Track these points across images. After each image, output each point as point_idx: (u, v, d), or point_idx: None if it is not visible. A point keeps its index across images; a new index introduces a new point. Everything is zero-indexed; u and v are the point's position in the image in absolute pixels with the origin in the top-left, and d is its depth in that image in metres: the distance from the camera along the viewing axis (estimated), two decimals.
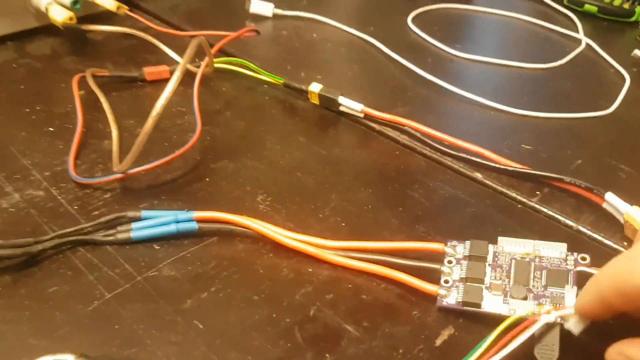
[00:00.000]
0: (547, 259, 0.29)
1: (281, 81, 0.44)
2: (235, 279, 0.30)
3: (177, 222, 0.32)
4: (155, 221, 0.32)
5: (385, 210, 0.35)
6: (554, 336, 0.26)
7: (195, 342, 0.27)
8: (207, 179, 0.36)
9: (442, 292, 0.29)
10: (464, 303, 0.28)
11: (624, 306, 0.23)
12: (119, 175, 0.34)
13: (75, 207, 0.33)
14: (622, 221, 0.34)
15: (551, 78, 0.50)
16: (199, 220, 0.32)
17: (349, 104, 0.42)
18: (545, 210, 0.35)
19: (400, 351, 0.27)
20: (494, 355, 0.25)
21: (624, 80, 0.49)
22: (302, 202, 0.35)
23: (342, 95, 0.42)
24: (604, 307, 0.24)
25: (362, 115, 0.42)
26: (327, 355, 0.27)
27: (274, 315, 0.28)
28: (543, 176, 0.37)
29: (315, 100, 0.43)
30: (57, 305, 0.28)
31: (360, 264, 0.31)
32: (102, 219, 0.32)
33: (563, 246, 0.30)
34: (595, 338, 0.27)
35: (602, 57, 0.53)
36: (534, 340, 0.26)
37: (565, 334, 0.26)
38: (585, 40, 0.55)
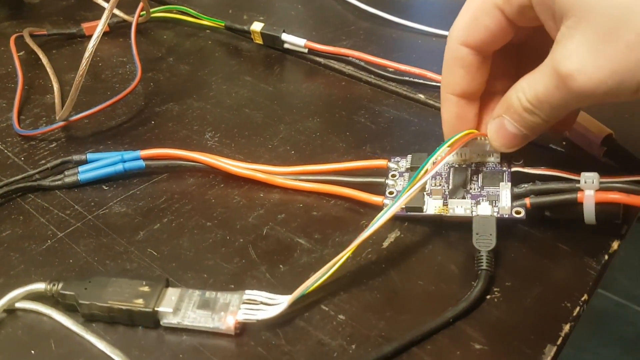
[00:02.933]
0: (484, 165, 0.30)
1: (222, 24, 0.44)
2: (187, 209, 0.31)
3: (124, 161, 0.32)
4: (102, 162, 0.32)
5: (332, 136, 0.36)
6: (491, 226, 0.27)
7: (151, 267, 0.27)
8: (153, 122, 0.37)
9: (387, 202, 0.30)
10: (408, 209, 0.29)
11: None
12: (61, 124, 0.34)
13: (22, 158, 0.33)
14: None
15: None
16: (145, 158, 0.32)
17: (292, 40, 0.42)
18: None
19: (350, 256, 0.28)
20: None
21: None
22: (251, 135, 0.36)
23: (284, 31, 0.43)
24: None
25: (306, 50, 0.42)
26: (281, 266, 0.28)
27: (228, 238, 0.29)
28: None
29: (259, 40, 0.43)
30: (10, 247, 0.28)
31: (309, 185, 0.31)
32: (49, 165, 0.32)
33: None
34: (532, 226, 0.29)
35: None
36: (472, 232, 0.27)
37: (515, 244, 0.27)
38: None
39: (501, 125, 0.27)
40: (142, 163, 0.32)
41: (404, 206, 0.28)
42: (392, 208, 0.26)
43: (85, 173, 0.31)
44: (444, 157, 0.28)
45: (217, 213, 0.30)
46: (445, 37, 0.46)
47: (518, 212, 0.28)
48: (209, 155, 0.32)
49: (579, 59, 0.23)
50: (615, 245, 0.28)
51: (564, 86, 0.23)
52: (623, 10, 0.22)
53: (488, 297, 0.26)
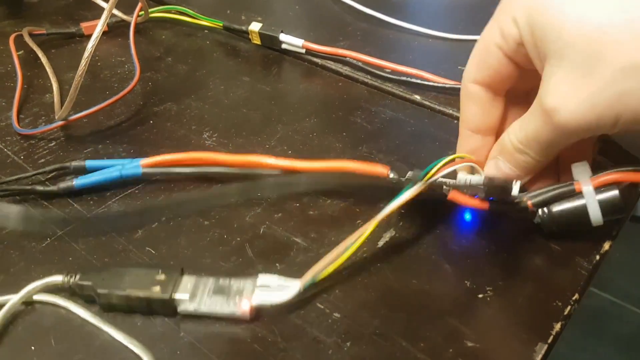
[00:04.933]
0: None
1: (220, 24, 0.44)
2: (185, 208, 0.31)
3: (122, 173, 0.31)
4: (100, 173, 0.31)
5: (329, 136, 0.36)
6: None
7: (149, 265, 0.28)
8: (151, 122, 0.37)
9: (391, 175, 0.29)
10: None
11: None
12: (60, 123, 0.35)
13: (22, 157, 0.34)
14: None
15: (488, 3, 0.50)
16: (145, 167, 0.31)
17: (290, 40, 0.43)
18: None
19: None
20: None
21: None
22: (249, 135, 0.36)
23: (282, 32, 0.43)
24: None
25: (303, 50, 0.43)
26: (278, 264, 0.28)
27: (225, 236, 0.29)
28: None
29: (257, 40, 0.44)
30: (10, 245, 0.29)
31: (308, 164, 0.30)
32: (46, 169, 0.32)
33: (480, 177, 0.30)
34: (525, 227, 0.29)
35: None
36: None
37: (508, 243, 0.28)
38: None
39: (496, 166, 0.28)
40: (139, 170, 0.31)
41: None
42: (415, 188, 0.27)
43: (81, 179, 0.31)
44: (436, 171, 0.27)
45: (215, 212, 0.31)
46: (441, 38, 0.47)
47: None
48: (208, 153, 0.32)
49: (561, 95, 0.24)
50: (606, 245, 0.29)
51: (550, 121, 0.24)
52: (598, 46, 0.23)
53: (480, 295, 0.26)
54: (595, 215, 0.27)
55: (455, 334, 0.25)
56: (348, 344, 0.25)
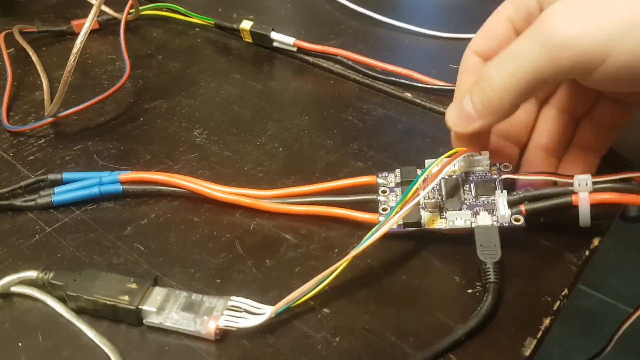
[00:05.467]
0: (473, 173, 0.30)
1: (212, 22, 0.44)
2: (174, 205, 0.31)
3: (101, 184, 0.31)
4: (78, 184, 0.31)
5: (320, 133, 0.36)
6: (495, 237, 0.27)
7: (138, 262, 0.28)
8: (142, 119, 0.37)
9: (381, 219, 0.28)
10: (405, 224, 0.28)
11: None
12: (49, 120, 0.35)
13: (11, 154, 0.34)
14: None
15: (479, 2, 0.51)
16: (124, 182, 0.31)
17: (281, 39, 0.42)
18: None
19: (336, 250, 0.28)
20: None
21: None
22: (239, 132, 0.36)
23: (274, 30, 0.43)
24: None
25: (295, 49, 0.43)
26: (267, 261, 0.28)
27: (215, 233, 0.29)
28: None
29: (249, 38, 0.44)
30: None
31: (299, 208, 0.30)
32: (22, 184, 0.31)
33: (485, 156, 0.30)
34: (536, 235, 0.28)
35: None
36: (475, 246, 0.26)
37: (505, 242, 0.27)
38: None
39: (459, 105, 0.27)
40: (119, 187, 0.31)
41: (400, 222, 0.28)
42: (384, 227, 0.26)
43: (60, 195, 0.31)
44: (433, 178, 0.27)
45: (205, 209, 0.31)
46: (432, 36, 0.47)
47: (517, 220, 0.27)
48: (192, 180, 0.31)
49: (567, 15, 0.23)
50: (595, 241, 0.29)
51: (548, 44, 0.23)
52: None
53: (470, 291, 0.26)
54: (585, 220, 0.27)
55: (443, 328, 0.25)
56: (337, 339, 0.25)
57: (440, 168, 0.28)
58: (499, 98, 0.25)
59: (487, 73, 0.25)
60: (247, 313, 0.25)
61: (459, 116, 0.27)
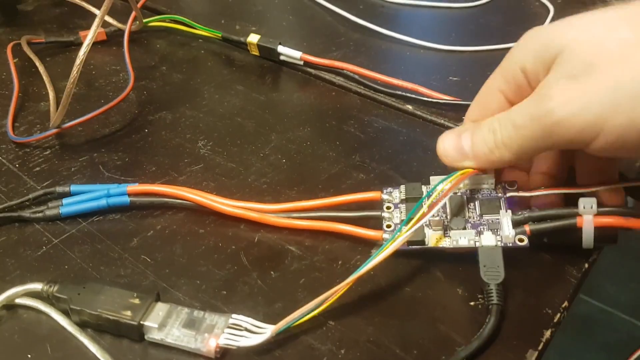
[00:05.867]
0: (478, 191, 0.30)
1: (219, 35, 0.45)
2: (180, 217, 0.31)
3: (109, 196, 0.31)
4: (86, 196, 0.31)
5: (323, 144, 0.37)
6: (498, 258, 0.27)
7: (145, 273, 0.28)
8: (146, 130, 0.37)
9: (386, 236, 0.29)
10: (410, 242, 0.28)
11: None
12: (54, 131, 0.35)
13: (17, 165, 0.34)
14: None
15: (478, 15, 0.52)
16: (132, 194, 0.31)
17: (288, 52, 0.43)
18: None
19: (340, 262, 0.29)
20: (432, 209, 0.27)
21: (548, 11, 0.52)
22: (243, 144, 0.36)
23: (280, 44, 0.43)
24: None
25: (301, 62, 0.43)
26: (272, 272, 0.28)
27: (220, 244, 0.30)
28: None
29: (255, 51, 0.44)
30: (6, 253, 0.29)
31: (304, 223, 0.30)
32: (30, 196, 0.31)
33: (490, 177, 0.30)
34: (532, 254, 0.29)
35: None
36: (478, 265, 0.27)
37: (506, 255, 0.27)
38: None
39: (459, 140, 0.28)
40: (127, 199, 0.31)
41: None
42: (388, 249, 0.26)
43: (67, 207, 0.31)
44: (440, 199, 0.28)
45: (210, 220, 0.31)
46: (432, 49, 0.47)
47: (521, 240, 0.27)
48: (199, 193, 0.31)
49: (560, 96, 0.24)
50: (595, 254, 0.29)
51: (543, 120, 0.25)
52: (597, 58, 0.24)
53: (472, 303, 0.27)
54: (588, 242, 0.27)
55: (447, 341, 0.25)
56: (342, 351, 0.25)
57: (448, 190, 0.28)
58: (500, 153, 0.27)
59: (492, 125, 0.27)
60: (248, 332, 0.25)
61: (454, 148, 0.29)
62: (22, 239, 0.29)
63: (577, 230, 0.27)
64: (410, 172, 0.34)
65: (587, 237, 0.27)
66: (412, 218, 0.27)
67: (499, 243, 0.27)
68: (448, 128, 0.38)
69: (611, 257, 1.13)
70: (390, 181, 0.32)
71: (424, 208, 0.27)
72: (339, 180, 0.34)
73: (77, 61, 0.34)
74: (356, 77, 0.42)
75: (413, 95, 0.40)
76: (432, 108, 0.39)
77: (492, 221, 0.28)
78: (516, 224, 0.28)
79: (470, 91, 0.41)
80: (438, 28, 0.50)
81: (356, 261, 0.29)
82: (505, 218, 0.28)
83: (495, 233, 0.28)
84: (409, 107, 0.40)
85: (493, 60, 0.44)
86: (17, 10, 0.50)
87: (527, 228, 0.27)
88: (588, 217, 0.26)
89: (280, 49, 0.43)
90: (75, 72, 0.34)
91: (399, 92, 0.41)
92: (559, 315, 0.26)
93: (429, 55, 0.46)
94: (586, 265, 0.29)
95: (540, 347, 0.25)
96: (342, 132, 0.38)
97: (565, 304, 0.27)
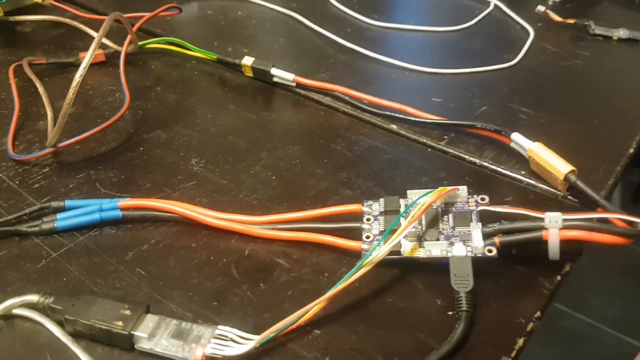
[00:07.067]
0: (453, 205, 0.32)
1: (214, 57, 0.46)
2: (173, 231, 0.33)
3: (102, 210, 0.33)
4: (80, 211, 0.32)
5: (311, 162, 0.38)
6: (468, 267, 0.29)
7: (139, 285, 0.29)
8: (141, 148, 0.39)
9: (364, 246, 0.31)
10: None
11: None
12: (51, 149, 0.36)
13: (17, 182, 0.35)
14: (527, 157, 0.38)
15: (461, 38, 0.54)
16: (123, 209, 0.33)
17: (281, 74, 0.45)
18: (451, 151, 0.39)
19: (326, 275, 0.30)
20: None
21: (528, 34, 0.54)
22: (235, 161, 0.38)
23: (274, 66, 0.45)
24: None
25: (294, 84, 0.45)
26: (262, 284, 0.30)
27: (212, 258, 0.31)
28: (458, 124, 0.41)
29: (250, 73, 0.46)
30: (7, 265, 0.30)
31: (288, 234, 0.32)
32: (26, 211, 0.32)
33: (463, 188, 0.32)
34: (512, 261, 0.30)
35: (509, 16, 0.58)
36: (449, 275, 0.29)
37: (475, 265, 0.29)
38: (493, 1, 0.60)
39: None
40: (119, 213, 0.33)
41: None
42: (364, 267, 0.28)
43: (62, 221, 0.32)
44: (418, 216, 0.29)
45: (202, 235, 0.32)
46: (416, 71, 0.49)
47: (490, 251, 0.29)
48: (187, 207, 0.33)
49: None
50: (567, 267, 0.31)
51: None
52: None
53: (450, 313, 0.28)
54: (554, 254, 0.29)
55: (426, 348, 0.27)
56: (327, 358, 0.26)
57: (427, 205, 0.30)
58: None
59: None
60: (233, 342, 0.26)
61: None
62: (22, 252, 0.31)
63: (543, 243, 0.28)
64: (394, 188, 0.36)
65: (553, 249, 0.28)
66: (393, 231, 0.29)
67: (469, 254, 0.29)
68: (430, 147, 0.40)
69: (598, 271, 1.15)
70: (375, 197, 0.33)
71: (405, 222, 0.29)
72: (327, 197, 0.35)
73: (74, 83, 0.36)
74: (346, 98, 0.44)
75: (399, 115, 0.42)
76: (416, 127, 0.41)
77: (464, 232, 0.30)
78: (487, 236, 0.30)
79: (451, 111, 0.44)
80: (422, 51, 0.52)
81: (342, 273, 0.30)
82: (476, 230, 0.30)
83: (466, 244, 0.30)
84: (394, 126, 0.42)
85: (474, 82, 0.47)
86: (16, 31, 0.52)
87: (496, 240, 0.29)
88: (554, 231, 0.28)
89: (274, 71, 0.45)
90: (71, 93, 0.35)
91: (386, 112, 0.43)
92: (531, 324, 0.28)
93: (413, 77, 0.48)
94: (558, 277, 0.30)
95: (513, 355, 0.27)
96: (330, 150, 0.39)
97: (538, 313, 0.28)
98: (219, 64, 0.47)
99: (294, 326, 0.27)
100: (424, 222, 0.31)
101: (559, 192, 0.36)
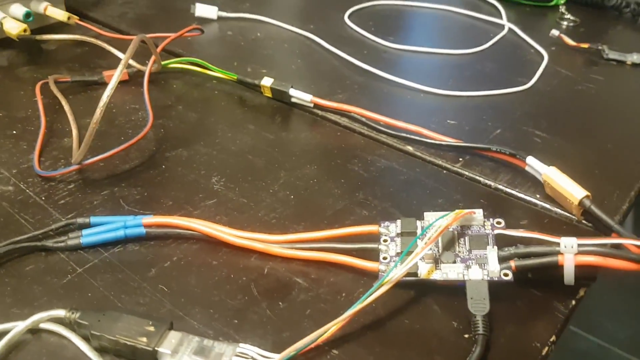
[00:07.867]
0: (469, 227, 0.32)
1: (234, 77, 0.47)
2: (194, 249, 0.33)
3: (126, 227, 0.33)
4: (105, 228, 0.33)
5: (328, 182, 0.39)
6: (484, 290, 0.29)
7: (162, 302, 0.30)
8: (163, 166, 0.40)
9: (382, 267, 0.31)
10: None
11: None
12: (76, 167, 0.37)
13: (43, 198, 0.36)
14: (542, 181, 0.38)
15: (475, 61, 0.55)
16: (147, 226, 0.34)
17: (299, 95, 0.46)
18: (467, 173, 0.40)
19: (343, 295, 0.31)
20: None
21: (542, 58, 0.55)
22: (254, 180, 0.39)
23: (292, 87, 0.46)
24: None
25: (312, 105, 0.46)
26: (280, 303, 0.30)
27: (232, 276, 0.32)
28: (473, 147, 0.42)
29: (268, 93, 0.47)
30: (34, 280, 0.31)
31: (306, 254, 0.33)
32: (52, 227, 0.33)
33: (479, 211, 0.33)
34: (527, 284, 0.31)
35: (523, 39, 0.59)
36: (466, 297, 0.29)
37: (491, 288, 0.29)
38: (508, 25, 0.61)
39: None
40: (143, 230, 0.34)
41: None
42: (382, 288, 0.28)
43: (88, 237, 0.33)
44: (435, 238, 0.30)
45: (222, 253, 0.33)
46: (431, 93, 0.50)
47: (506, 275, 0.30)
48: (208, 225, 0.34)
49: None
50: (582, 292, 0.31)
51: None
52: None
53: (466, 335, 0.29)
54: (569, 279, 0.29)
55: None
56: None
57: (443, 228, 0.30)
58: None
59: None
60: None
61: None
62: (48, 267, 0.32)
63: (559, 268, 0.29)
64: (409, 209, 0.37)
65: (569, 274, 0.29)
66: (410, 253, 0.29)
67: (485, 277, 0.30)
68: (446, 169, 0.41)
69: (610, 293, 1.14)
70: (391, 217, 0.34)
71: (421, 244, 0.30)
72: (343, 216, 0.36)
73: (101, 103, 0.37)
74: (362, 119, 0.45)
75: (415, 137, 0.43)
76: (431, 149, 0.42)
77: (480, 256, 0.31)
78: (503, 260, 0.30)
79: (466, 134, 0.44)
80: (437, 73, 0.53)
81: (359, 293, 0.31)
82: (492, 253, 0.30)
83: (482, 267, 0.30)
84: (410, 148, 0.42)
85: (489, 105, 0.48)
86: (41, 49, 0.53)
87: (512, 264, 0.30)
88: (569, 256, 0.28)
89: (292, 91, 0.46)
90: (98, 113, 0.37)
91: (402, 134, 0.43)
92: (547, 348, 0.28)
93: (428, 99, 0.49)
94: (573, 302, 0.31)
95: None
96: (346, 171, 0.40)
97: (553, 338, 0.29)
98: (238, 84, 0.48)
99: (312, 345, 0.27)
100: (440, 245, 0.32)
101: (573, 217, 0.36)
